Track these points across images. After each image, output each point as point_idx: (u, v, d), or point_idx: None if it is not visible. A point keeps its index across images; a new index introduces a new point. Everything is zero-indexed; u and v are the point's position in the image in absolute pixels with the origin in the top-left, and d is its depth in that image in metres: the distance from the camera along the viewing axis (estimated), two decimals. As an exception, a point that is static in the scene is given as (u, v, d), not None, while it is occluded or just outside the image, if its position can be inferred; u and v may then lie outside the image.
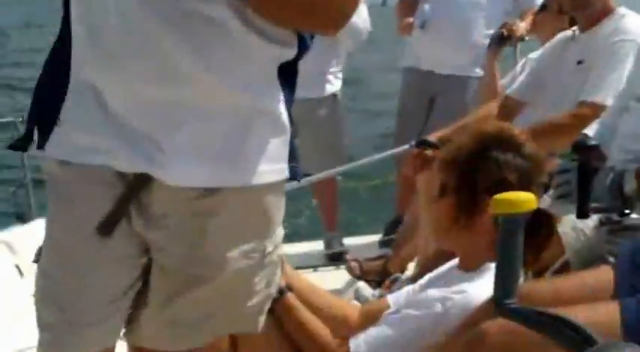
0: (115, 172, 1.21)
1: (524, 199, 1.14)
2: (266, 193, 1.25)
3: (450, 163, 1.65)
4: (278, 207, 1.29)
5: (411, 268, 2.98)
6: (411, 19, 3.90)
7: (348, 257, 3.54)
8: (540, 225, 1.60)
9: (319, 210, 4.27)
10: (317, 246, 4.01)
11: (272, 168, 1.24)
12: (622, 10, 2.64)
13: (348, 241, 4.04)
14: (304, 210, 5.96)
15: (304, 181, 3.16)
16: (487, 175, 1.59)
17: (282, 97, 1.24)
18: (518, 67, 3.35)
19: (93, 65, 1.19)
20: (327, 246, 3.96)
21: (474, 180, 1.61)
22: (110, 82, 1.18)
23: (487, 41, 3.77)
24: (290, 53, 1.23)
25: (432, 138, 2.69)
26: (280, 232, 1.33)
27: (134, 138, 1.17)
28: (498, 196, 1.15)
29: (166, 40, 1.13)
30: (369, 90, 12.65)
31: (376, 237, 4.00)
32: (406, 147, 2.87)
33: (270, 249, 1.29)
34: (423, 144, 2.65)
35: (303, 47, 1.24)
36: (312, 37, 1.26)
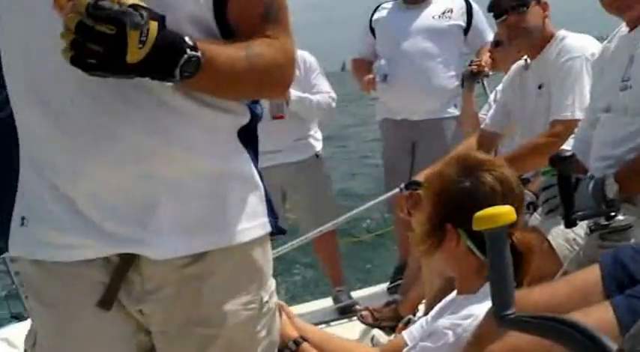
0: (97, 259, 1.24)
1: (503, 212, 1.19)
2: (252, 248, 1.31)
3: (428, 196, 1.72)
4: (266, 259, 1.35)
5: (422, 309, 3.00)
6: (371, 76, 4.04)
7: (358, 307, 3.56)
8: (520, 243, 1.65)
9: (324, 268, 4.33)
10: (326, 302, 4.04)
11: (253, 224, 1.30)
12: (562, 32, 2.80)
13: (356, 294, 4.07)
14: (308, 269, 5.99)
15: (302, 239, 3.22)
16: (458, 202, 1.64)
17: (247, 158, 1.32)
18: (491, 100, 3.47)
19: (59, 154, 1.22)
20: (336, 300, 3.98)
21: (444, 208, 1.67)
22: (79, 167, 1.21)
23: (450, 83, 3.95)
24: (244, 119, 1.31)
25: (420, 178, 2.77)
26: (272, 282, 1.38)
27: (111, 221, 1.21)
28: (479, 213, 1.20)
29: (129, 123, 1.18)
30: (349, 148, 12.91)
31: (383, 286, 4.04)
32: (396, 190, 2.94)
33: (266, 298, 1.34)
34: (411, 185, 2.73)
35: (254, 112, 1.34)
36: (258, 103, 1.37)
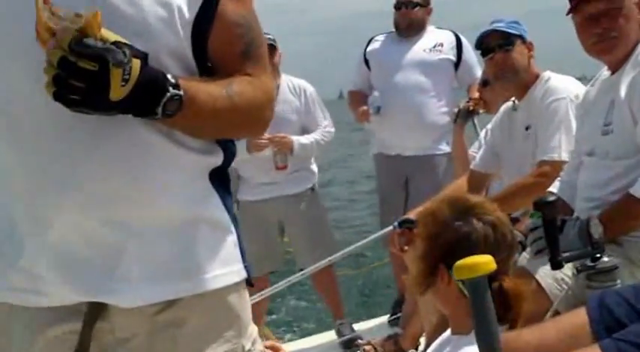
0: (65, 307, 1.20)
1: (482, 261, 1.24)
2: (228, 294, 1.28)
3: (419, 237, 1.76)
4: (243, 306, 1.31)
5: (423, 342, 3.04)
6: (365, 107, 4.10)
7: (360, 342, 3.59)
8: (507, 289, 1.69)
9: (324, 301, 4.36)
10: (329, 336, 4.07)
11: (227, 270, 1.27)
12: (547, 73, 2.87)
13: (358, 326, 4.09)
14: (307, 301, 6.01)
15: (299, 276, 3.27)
16: (450, 246, 1.69)
17: (219, 202, 1.29)
18: (482, 138, 3.53)
19: (25, 194, 1.19)
20: (339, 334, 4.00)
21: (438, 250, 1.72)
22: (43, 212, 1.17)
23: (442, 119, 4.01)
24: (217, 160, 1.29)
25: (412, 216, 2.83)
26: (253, 328, 1.34)
27: (76, 267, 1.18)
28: (459, 263, 1.25)
29: (98, 164, 1.15)
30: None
31: (384, 318, 4.08)
32: (390, 228, 3.00)
33: (248, 346, 1.31)
34: (404, 223, 2.79)
35: (229, 154, 1.32)
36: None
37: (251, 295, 1.44)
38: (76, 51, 1.02)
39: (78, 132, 1.15)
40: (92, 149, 1.16)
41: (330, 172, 11.97)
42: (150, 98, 1.11)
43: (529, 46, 2.89)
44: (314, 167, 4.19)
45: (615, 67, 2.25)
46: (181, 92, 1.13)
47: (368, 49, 4.29)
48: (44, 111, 1.13)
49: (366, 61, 4.28)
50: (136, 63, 1.07)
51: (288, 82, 4.15)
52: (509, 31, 2.85)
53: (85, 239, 1.19)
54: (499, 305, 1.47)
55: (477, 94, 3.69)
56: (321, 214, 4.23)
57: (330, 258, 3.41)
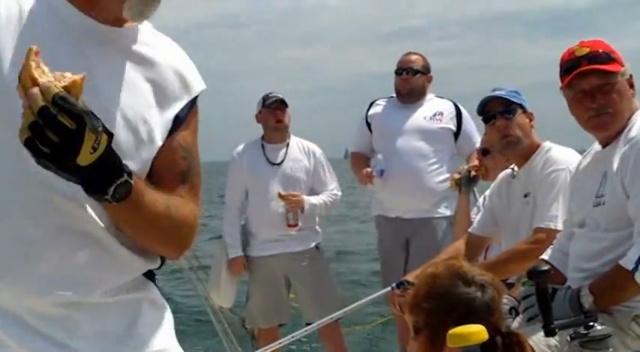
0: None
1: (474, 331, 1.32)
2: None
3: (413, 306, 1.81)
4: None
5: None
6: (368, 169, 4.20)
7: None
8: (512, 345, 1.74)
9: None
10: None
11: (173, 344, 1.39)
12: (547, 144, 2.94)
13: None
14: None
15: (304, 331, 3.32)
16: (445, 312, 1.74)
17: (153, 286, 1.41)
18: (480, 204, 3.60)
19: None
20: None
21: (434, 318, 1.76)
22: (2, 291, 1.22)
23: (442, 186, 4.10)
24: (155, 265, 1.39)
25: (410, 278, 2.88)
26: None
27: (31, 340, 1.23)
28: (452, 331, 1.32)
29: (52, 248, 1.22)
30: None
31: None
32: (388, 289, 3.06)
33: None
34: (402, 284, 2.85)
35: (164, 259, 1.42)
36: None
37: (259, 347, 1.50)
38: (58, 104, 1.04)
39: (43, 217, 1.22)
40: (51, 234, 1.22)
41: (334, 232, 12.01)
42: (106, 176, 1.15)
43: (530, 116, 2.95)
44: (318, 227, 4.34)
45: (607, 142, 2.31)
46: (132, 181, 1.18)
47: (370, 113, 4.38)
48: (10, 186, 1.19)
49: (368, 124, 4.37)
50: (105, 137, 1.11)
51: (298, 142, 4.32)
52: (511, 99, 2.92)
53: (39, 316, 1.24)
54: None
55: (476, 162, 3.77)
56: (326, 271, 4.37)
57: (333, 315, 3.47)
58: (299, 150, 4.28)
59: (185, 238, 1.37)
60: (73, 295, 1.25)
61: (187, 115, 1.37)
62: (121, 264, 1.30)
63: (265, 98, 4.25)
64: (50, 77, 1.07)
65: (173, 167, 1.35)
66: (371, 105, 4.43)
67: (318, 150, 4.33)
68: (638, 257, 2.07)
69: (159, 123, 1.32)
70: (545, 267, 1.99)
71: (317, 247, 4.28)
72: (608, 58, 2.29)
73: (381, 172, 4.12)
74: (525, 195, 2.90)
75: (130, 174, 1.18)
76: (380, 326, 5.94)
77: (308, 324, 3.93)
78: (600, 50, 2.30)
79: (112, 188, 1.15)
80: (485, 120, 2.99)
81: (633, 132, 2.22)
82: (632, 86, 2.33)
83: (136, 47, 1.32)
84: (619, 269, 2.12)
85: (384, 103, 4.39)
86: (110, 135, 1.13)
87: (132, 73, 1.30)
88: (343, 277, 8.07)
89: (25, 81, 1.07)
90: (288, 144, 4.25)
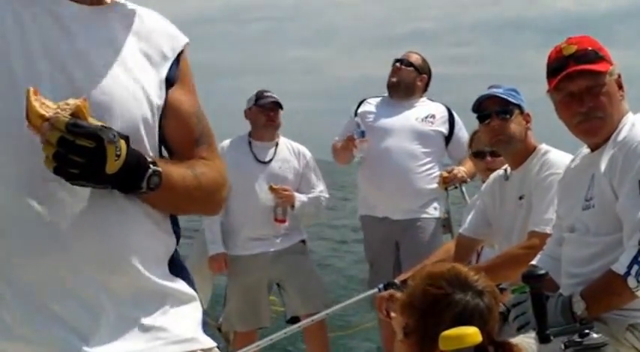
0: None
1: (468, 333, 1.24)
2: None
3: (407, 306, 1.74)
4: None
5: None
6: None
7: None
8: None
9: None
10: None
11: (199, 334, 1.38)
12: (544, 146, 2.86)
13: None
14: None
15: (293, 329, 3.25)
16: (441, 315, 1.67)
17: (183, 282, 1.40)
18: (471, 204, 3.53)
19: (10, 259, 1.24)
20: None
21: (428, 321, 1.69)
22: (27, 273, 1.23)
23: (430, 186, 4.05)
24: (173, 243, 1.40)
25: (399, 280, 2.80)
26: None
27: (52, 328, 1.23)
28: (445, 333, 1.25)
29: (87, 233, 1.24)
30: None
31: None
32: (375, 290, 2.97)
33: None
34: (389, 286, 2.77)
35: (178, 238, 1.43)
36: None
37: (239, 348, 1.48)
38: (72, 131, 1.15)
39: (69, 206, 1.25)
40: (81, 216, 1.26)
41: (319, 237, 11.97)
42: (136, 173, 1.25)
43: (526, 118, 2.86)
44: (302, 227, 4.31)
45: (596, 146, 2.25)
46: (160, 168, 1.28)
47: (359, 110, 4.29)
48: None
49: (357, 124, 4.24)
50: (123, 142, 1.21)
51: (287, 143, 4.28)
52: (509, 98, 2.83)
53: (65, 300, 1.24)
54: None
55: (468, 164, 3.70)
56: (309, 265, 4.34)
57: (317, 315, 3.41)
58: (288, 151, 4.23)
59: (219, 197, 1.46)
60: (109, 269, 1.27)
61: (177, 72, 1.43)
62: (145, 231, 1.33)
63: (259, 96, 4.18)
64: (55, 109, 1.17)
65: (189, 136, 1.43)
66: (361, 102, 4.35)
67: (308, 153, 4.29)
68: (630, 261, 2.00)
69: (153, 85, 1.38)
70: (542, 271, 1.93)
71: (303, 242, 4.25)
72: (597, 56, 2.21)
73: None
74: (520, 198, 2.83)
75: (154, 163, 1.28)
76: (362, 332, 5.88)
77: (292, 318, 3.97)
78: (589, 48, 2.22)
79: (145, 182, 1.26)
80: (480, 119, 2.89)
81: (622, 135, 2.16)
82: (620, 87, 2.25)
83: (118, 20, 1.40)
84: (611, 274, 2.05)
85: (375, 102, 4.31)
86: (126, 139, 1.22)
87: (121, 44, 1.37)
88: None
89: (35, 120, 1.17)
90: (277, 144, 4.22)
